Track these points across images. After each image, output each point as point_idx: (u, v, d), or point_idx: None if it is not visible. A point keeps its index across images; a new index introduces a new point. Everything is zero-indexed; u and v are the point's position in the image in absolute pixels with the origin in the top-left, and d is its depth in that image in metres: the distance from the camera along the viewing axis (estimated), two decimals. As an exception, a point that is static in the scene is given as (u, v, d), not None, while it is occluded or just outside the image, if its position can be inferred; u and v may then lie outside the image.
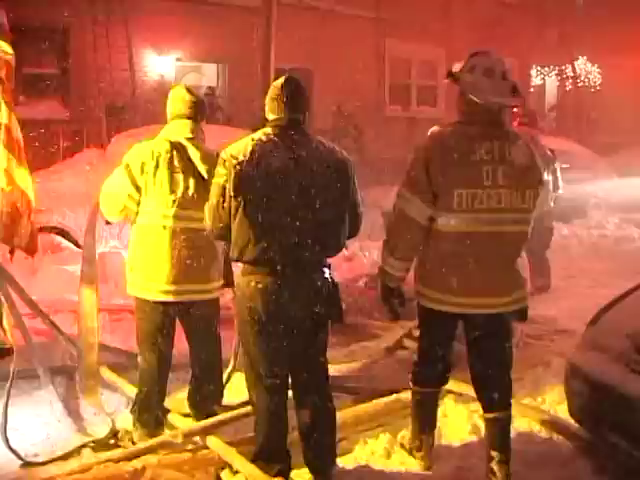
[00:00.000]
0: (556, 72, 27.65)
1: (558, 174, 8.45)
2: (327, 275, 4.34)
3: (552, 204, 4.73)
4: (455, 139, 4.34)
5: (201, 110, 5.02)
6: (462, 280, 4.33)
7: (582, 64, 27.38)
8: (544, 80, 28.01)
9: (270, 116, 4.37)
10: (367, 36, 19.79)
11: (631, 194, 14.94)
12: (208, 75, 18.91)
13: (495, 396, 4.54)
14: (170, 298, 4.87)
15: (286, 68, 17.11)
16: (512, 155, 4.33)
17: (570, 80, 27.40)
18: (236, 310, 4.43)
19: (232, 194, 4.17)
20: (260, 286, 4.22)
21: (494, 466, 4.54)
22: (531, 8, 24.16)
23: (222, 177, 4.22)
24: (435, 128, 4.59)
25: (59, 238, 8.94)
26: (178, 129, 4.92)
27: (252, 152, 4.19)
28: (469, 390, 4.91)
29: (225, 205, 4.22)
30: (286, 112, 4.31)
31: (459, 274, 4.33)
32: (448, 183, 4.27)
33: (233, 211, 4.19)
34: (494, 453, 4.55)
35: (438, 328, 4.60)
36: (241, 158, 4.18)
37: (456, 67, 4.52)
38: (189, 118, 4.95)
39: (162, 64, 17.22)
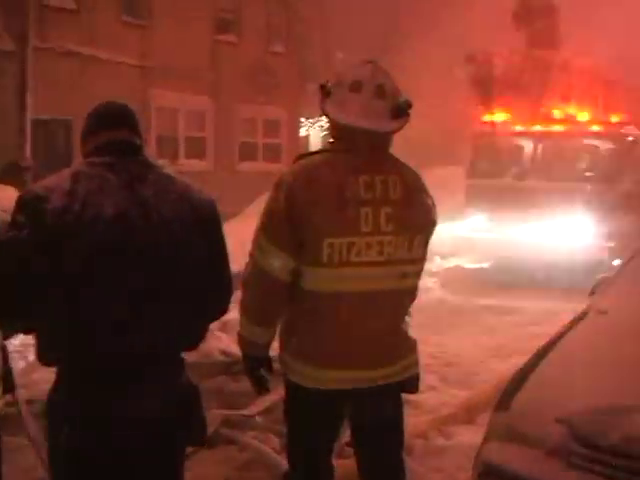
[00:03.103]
0: (321, 123, 27.46)
1: None
2: (183, 378, 2.91)
3: None
4: (324, 172, 3.28)
5: None
6: (339, 349, 3.33)
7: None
8: (308, 131, 27.75)
9: (89, 147, 2.98)
10: (131, 84, 18.30)
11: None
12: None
13: None
14: None
15: (44, 118, 15.60)
16: (398, 192, 3.34)
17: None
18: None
19: (36, 258, 2.68)
20: (76, 403, 2.75)
21: None
22: (296, 59, 23.75)
23: (24, 228, 2.71)
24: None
25: None
26: None
27: (70, 192, 2.73)
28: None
29: (27, 273, 2.70)
30: (117, 132, 2.88)
31: (335, 342, 3.33)
32: (316, 230, 3.22)
33: (36, 284, 2.71)
34: None
35: (314, 414, 3.47)
36: (54, 202, 2.71)
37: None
38: None
39: None
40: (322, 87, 3.41)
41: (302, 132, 27.41)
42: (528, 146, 14.77)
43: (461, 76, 14.46)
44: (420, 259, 3.44)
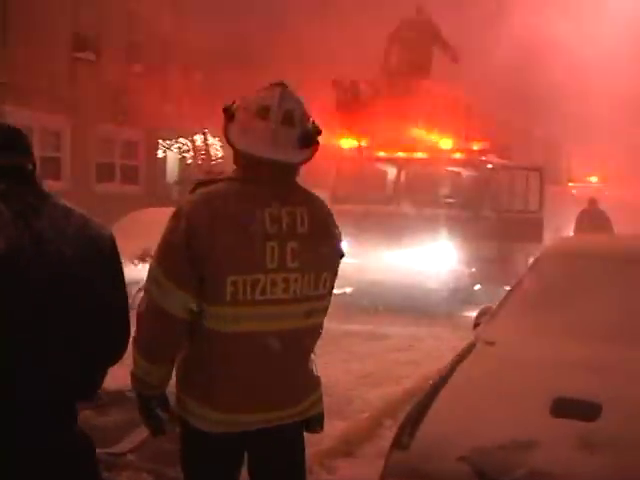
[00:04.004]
0: (178, 145, 27.05)
1: None
2: (73, 430, 2.65)
3: None
4: (228, 203, 3.07)
5: None
6: (245, 392, 3.14)
7: (202, 138, 26.87)
8: (166, 153, 27.25)
9: None
10: (-16, 100, 17.56)
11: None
12: None
13: None
14: None
15: None
16: (305, 225, 3.16)
17: (191, 153, 26.87)
18: None
19: None
20: None
21: None
22: (156, 79, 23.34)
23: None
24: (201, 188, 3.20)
25: None
26: None
27: None
28: None
29: None
30: (6, 156, 2.62)
31: (240, 384, 3.13)
32: (219, 266, 3.00)
33: None
34: None
35: (217, 458, 3.24)
36: None
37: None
38: None
39: None
40: (226, 110, 3.20)
41: (159, 154, 26.93)
42: (392, 172, 14.92)
43: (328, 100, 14.45)
44: (326, 295, 3.27)
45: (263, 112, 3.10)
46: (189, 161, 27.23)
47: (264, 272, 3.05)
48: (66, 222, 2.63)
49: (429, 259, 13.66)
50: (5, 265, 2.46)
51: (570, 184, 22.85)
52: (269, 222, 3.07)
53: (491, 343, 4.77)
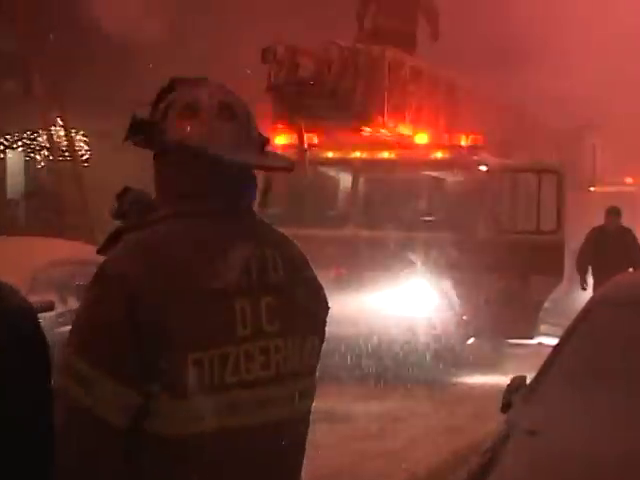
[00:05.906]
0: (24, 142, 26.80)
1: None
2: None
3: None
4: (173, 252, 3.03)
5: None
6: None
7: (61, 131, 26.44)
8: (5, 154, 26.98)
9: None
10: None
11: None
12: None
13: None
14: None
15: None
16: (279, 272, 3.17)
17: (45, 152, 26.49)
18: None
19: None
20: None
21: None
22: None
23: None
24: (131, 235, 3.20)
25: None
26: None
27: None
28: None
29: None
30: None
31: None
32: (175, 343, 2.95)
33: None
34: None
35: None
36: None
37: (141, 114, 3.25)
38: None
39: None
40: (134, 126, 3.20)
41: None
42: (345, 180, 14.89)
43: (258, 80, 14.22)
44: (315, 367, 3.28)
45: (190, 109, 3.13)
46: (41, 164, 26.99)
47: (235, 343, 3.03)
48: None
49: (402, 303, 13.59)
50: None
51: (591, 188, 22.97)
52: (235, 271, 3.07)
53: (533, 433, 4.91)
